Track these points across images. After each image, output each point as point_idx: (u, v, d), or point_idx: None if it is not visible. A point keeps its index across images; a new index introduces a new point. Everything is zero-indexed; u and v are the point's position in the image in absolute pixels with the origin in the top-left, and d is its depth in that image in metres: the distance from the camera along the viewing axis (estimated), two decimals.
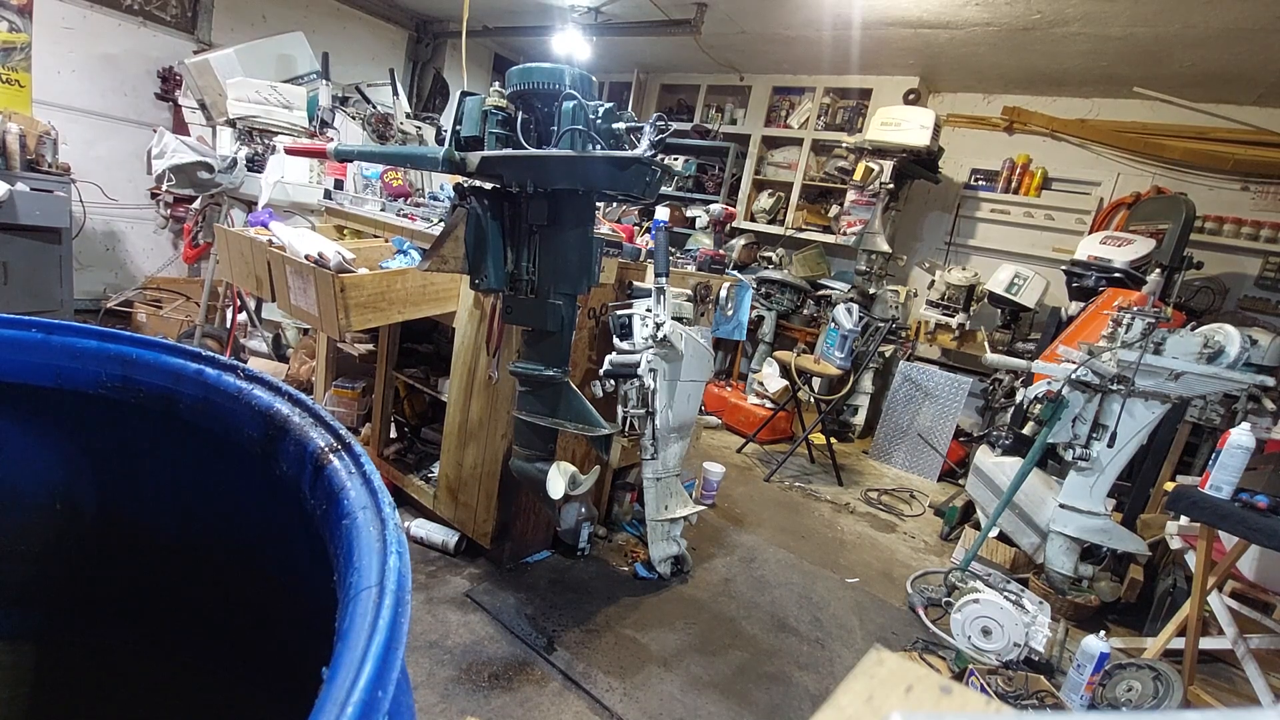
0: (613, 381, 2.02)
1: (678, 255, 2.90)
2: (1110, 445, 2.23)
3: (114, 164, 3.93)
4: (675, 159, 5.28)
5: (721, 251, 3.28)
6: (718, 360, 4.70)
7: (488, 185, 1.57)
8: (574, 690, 1.68)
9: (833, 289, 4.71)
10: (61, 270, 3.20)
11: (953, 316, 4.31)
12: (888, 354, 4.45)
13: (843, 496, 3.46)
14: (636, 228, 3.10)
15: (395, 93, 4.18)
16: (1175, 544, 2.19)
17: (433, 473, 2.39)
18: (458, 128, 1.50)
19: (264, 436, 0.48)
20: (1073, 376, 2.21)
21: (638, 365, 1.98)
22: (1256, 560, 2.12)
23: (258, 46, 3.72)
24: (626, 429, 2.07)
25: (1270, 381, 2.10)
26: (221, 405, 0.50)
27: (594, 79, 1.54)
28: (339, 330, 1.84)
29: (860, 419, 4.58)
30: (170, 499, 0.60)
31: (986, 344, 4.17)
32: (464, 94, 1.49)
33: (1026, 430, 2.86)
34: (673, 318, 2.07)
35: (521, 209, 1.56)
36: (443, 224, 1.78)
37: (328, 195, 2.91)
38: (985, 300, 4.23)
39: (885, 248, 4.31)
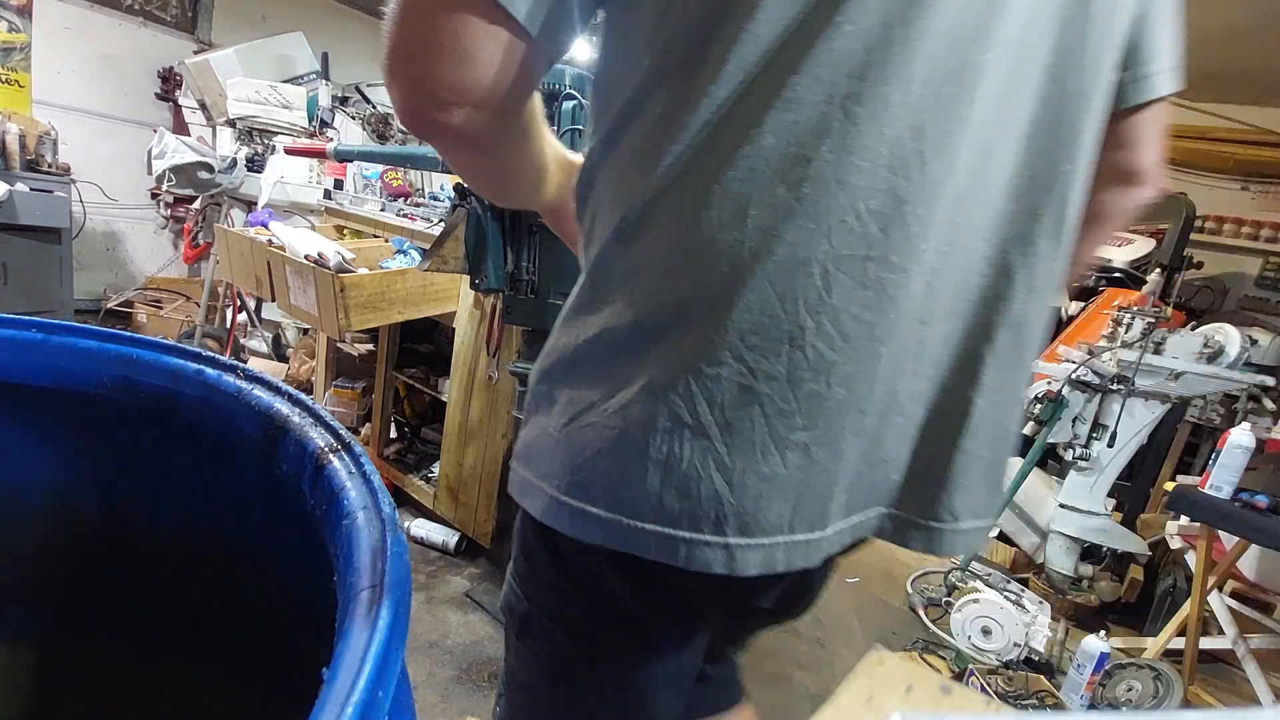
0: None
1: None
2: (1110, 445, 2.23)
3: (114, 164, 3.93)
4: None
5: None
6: None
7: None
8: None
9: None
10: (61, 270, 3.21)
11: None
12: None
13: None
14: None
15: None
16: (1175, 544, 2.19)
17: (433, 473, 2.39)
18: None
19: (264, 436, 0.48)
20: (1073, 376, 2.21)
21: None
22: (1256, 560, 2.12)
23: (258, 46, 3.72)
24: None
25: (1270, 381, 2.10)
26: (221, 405, 0.50)
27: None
28: (339, 330, 1.84)
29: None
30: (170, 499, 0.60)
31: None
32: None
33: (1026, 430, 2.86)
34: None
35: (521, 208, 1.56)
36: (443, 224, 1.78)
37: (328, 195, 2.91)
38: None
39: None
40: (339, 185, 3.07)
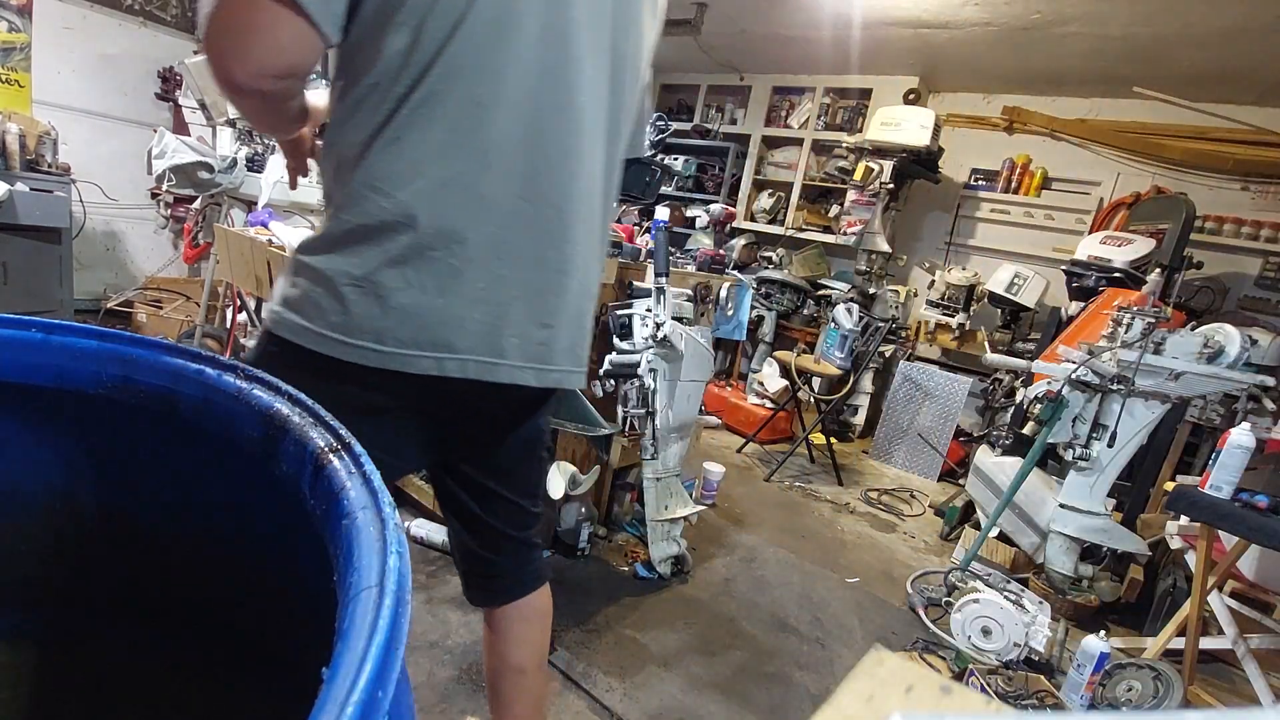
0: (613, 381, 2.02)
1: (678, 255, 2.90)
2: (1110, 445, 2.23)
3: (114, 164, 3.93)
4: (675, 159, 5.28)
5: (721, 251, 3.28)
6: (718, 360, 4.70)
7: None
8: (574, 690, 1.68)
9: (833, 289, 4.71)
10: (61, 270, 3.20)
11: (953, 316, 4.32)
12: (888, 354, 4.45)
13: (843, 496, 3.46)
14: (636, 228, 3.10)
15: None
16: (1175, 544, 2.19)
17: None
18: None
19: (264, 436, 0.48)
20: (1073, 376, 2.21)
21: (638, 365, 1.98)
22: (1256, 560, 2.12)
23: None
24: (626, 429, 2.07)
25: (1270, 381, 2.10)
26: (222, 405, 0.50)
27: None
28: None
29: (860, 419, 4.58)
30: (170, 499, 0.60)
31: (986, 344, 4.17)
32: None
33: (1026, 430, 2.87)
34: (673, 318, 2.07)
35: None
36: None
37: None
38: (985, 300, 4.23)
39: (885, 248, 4.31)
40: None
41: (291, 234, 2.03)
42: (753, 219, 5.35)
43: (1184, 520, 2.11)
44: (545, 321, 0.86)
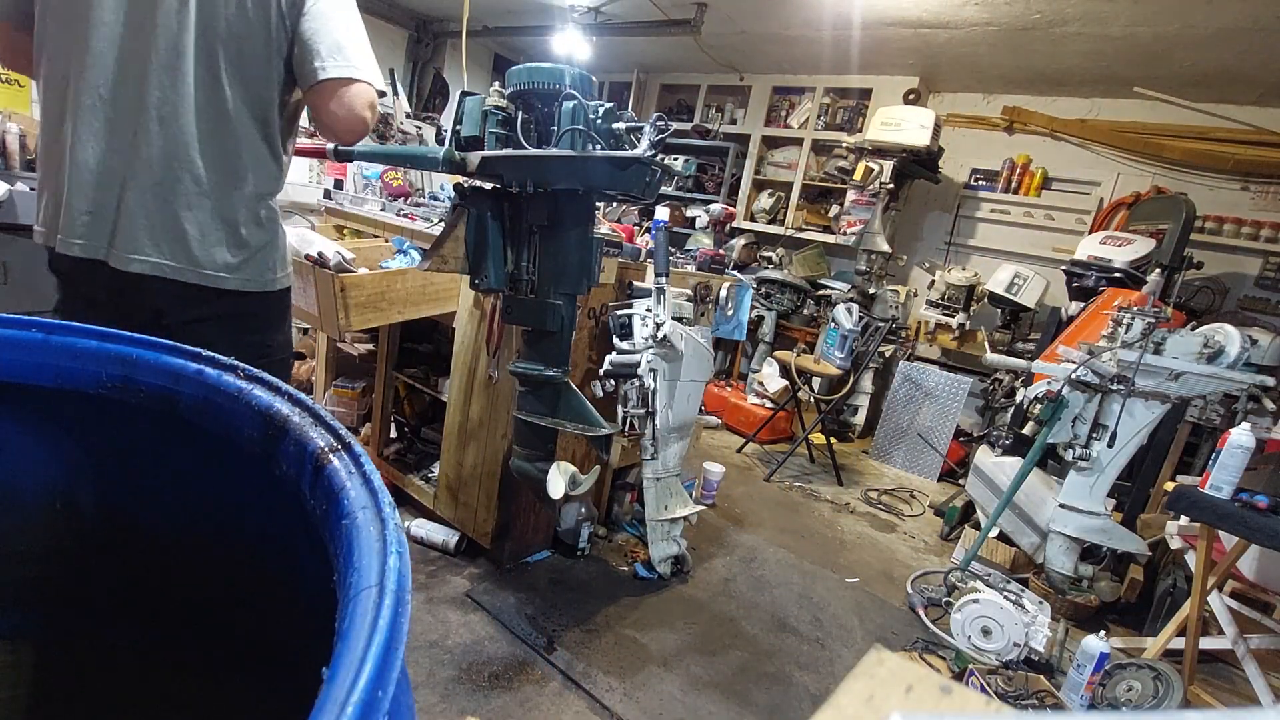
0: (613, 381, 2.02)
1: (678, 255, 2.90)
2: (1110, 445, 2.23)
3: None
4: (675, 159, 5.27)
5: (721, 251, 3.28)
6: (718, 360, 4.70)
7: (488, 185, 1.57)
8: (574, 690, 1.68)
9: (833, 289, 4.71)
10: None
11: (953, 316, 4.31)
12: (888, 354, 4.45)
13: (843, 496, 3.46)
14: (636, 228, 3.10)
15: (395, 92, 4.16)
16: (1175, 544, 2.19)
17: (433, 473, 2.39)
18: (458, 128, 1.50)
19: (264, 436, 0.48)
20: (1073, 376, 2.21)
21: (638, 365, 1.98)
22: (1256, 560, 2.12)
23: None
24: (626, 429, 2.07)
25: (1270, 381, 2.10)
26: (221, 405, 0.50)
27: (594, 79, 1.54)
28: (339, 330, 1.84)
29: (860, 419, 4.58)
30: (170, 499, 0.60)
31: (986, 344, 4.17)
32: (464, 94, 1.49)
33: (1026, 430, 2.87)
34: (673, 318, 2.07)
35: (521, 209, 1.56)
36: (443, 224, 1.78)
37: (328, 195, 2.91)
38: (985, 300, 4.23)
39: (885, 248, 4.31)
40: (339, 185, 3.07)
41: (292, 233, 2.03)
42: (753, 219, 5.35)
43: (1184, 520, 2.11)
44: (90, 201, 1.09)
